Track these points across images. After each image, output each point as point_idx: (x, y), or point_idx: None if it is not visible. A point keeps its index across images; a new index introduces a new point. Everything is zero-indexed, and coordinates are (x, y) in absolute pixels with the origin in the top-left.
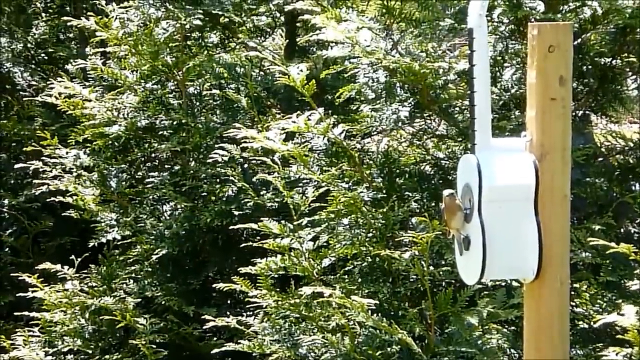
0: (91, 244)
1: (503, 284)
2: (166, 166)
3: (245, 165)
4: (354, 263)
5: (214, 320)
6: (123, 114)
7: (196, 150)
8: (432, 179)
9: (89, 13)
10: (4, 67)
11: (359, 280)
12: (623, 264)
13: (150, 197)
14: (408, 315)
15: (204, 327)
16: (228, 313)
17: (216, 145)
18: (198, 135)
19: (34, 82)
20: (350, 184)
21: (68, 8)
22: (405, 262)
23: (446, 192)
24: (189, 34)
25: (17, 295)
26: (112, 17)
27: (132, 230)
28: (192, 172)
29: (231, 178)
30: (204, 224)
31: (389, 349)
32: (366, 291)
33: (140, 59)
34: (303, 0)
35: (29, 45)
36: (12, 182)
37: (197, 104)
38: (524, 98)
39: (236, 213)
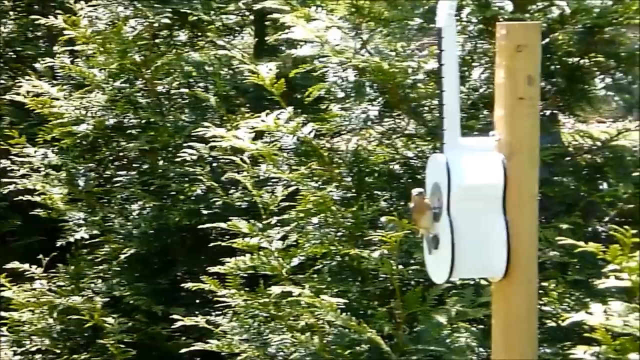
0: (59, 243)
1: (472, 282)
2: (134, 165)
3: (214, 164)
4: (323, 262)
5: (183, 320)
6: (91, 113)
7: (165, 149)
8: (401, 178)
9: (57, 11)
10: None
11: (328, 279)
12: (591, 262)
13: (119, 196)
14: (377, 314)
15: (173, 327)
16: (197, 312)
17: (185, 144)
18: (167, 134)
19: (1, 81)
20: (319, 183)
21: (36, 6)
22: (374, 261)
23: (415, 191)
24: (157, 33)
25: None
26: (81, 15)
27: (100, 229)
28: (160, 171)
29: (200, 177)
30: (172, 223)
31: (358, 347)
32: (335, 290)
33: (109, 58)
34: None
35: None
36: None
37: (166, 102)
38: (492, 97)
39: (205, 212)
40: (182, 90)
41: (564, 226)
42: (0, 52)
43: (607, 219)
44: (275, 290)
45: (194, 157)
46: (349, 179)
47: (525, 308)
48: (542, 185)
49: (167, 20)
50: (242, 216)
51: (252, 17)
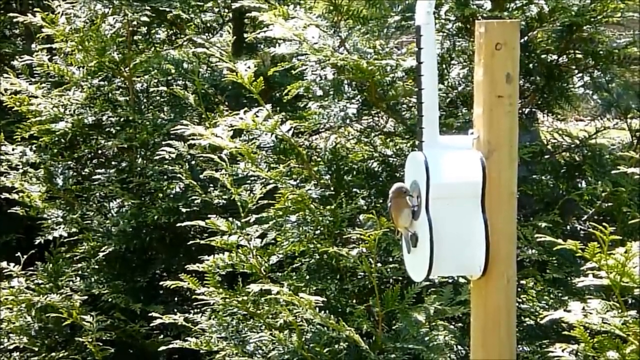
0: (37, 241)
1: (450, 280)
2: (113, 163)
3: (193, 162)
4: (301, 260)
5: (161, 318)
6: (69, 111)
7: (143, 147)
8: (380, 176)
9: (35, 9)
10: None
11: (307, 277)
12: (569, 261)
13: (97, 194)
14: (356, 312)
15: (151, 325)
16: (175, 310)
17: (163, 142)
18: (145, 132)
19: None
20: (298, 181)
21: (14, 4)
22: (353, 259)
23: (395, 186)
24: (136, 30)
25: None
26: (59, 13)
27: (78, 227)
28: (139, 169)
29: (179, 175)
30: (151, 221)
31: (336, 345)
32: (314, 288)
33: (87, 55)
34: None
35: None
36: None
37: (145, 100)
38: (471, 95)
39: (184, 210)
40: (161, 88)
41: (543, 224)
42: None
43: (585, 217)
44: (254, 288)
45: (173, 155)
46: (328, 177)
47: (504, 306)
48: (520, 183)
49: (145, 18)
50: (221, 214)
51: (230, 15)
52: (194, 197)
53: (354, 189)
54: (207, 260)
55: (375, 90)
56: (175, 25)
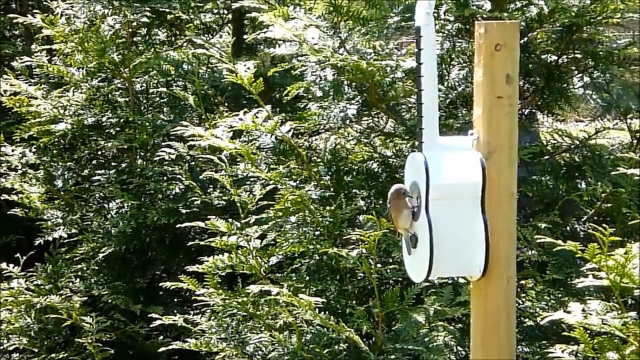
0: (37, 242)
1: (450, 281)
2: (113, 164)
3: (193, 163)
4: (301, 261)
5: (161, 319)
6: (69, 112)
7: (143, 148)
8: (380, 176)
9: (35, 10)
10: None
11: (307, 278)
12: (569, 261)
13: (97, 195)
14: (355, 313)
15: (151, 326)
16: (175, 311)
17: (163, 143)
18: (145, 132)
19: None
20: (297, 181)
21: (14, 5)
22: (352, 260)
23: (393, 188)
24: (136, 31)
25: None
26: (58, 13)
27: (78, 228)
28: (139, 169)
29: (178, 176)
30: (151, 222)
31: (336, 347)
32: (314, 289)
33: (87, 56)
34: None
35: None
36: None
37: (144, 101)
38: (470, 96)
39: (183, 211)
40: (161, 89)
41: (543, 225)
42: None
43: (585, 217)
44: (254, 289)
45: (173, 156)
46: (327, 177)
47: (504, 307)
48: (520, 184)
49: (145, 19)
50: (221, 215)
51: (230, 16)
52: (193, 198)
53: (354, 190)
54: (207, 261)
55: (375, 91)
56: (175, 26)
